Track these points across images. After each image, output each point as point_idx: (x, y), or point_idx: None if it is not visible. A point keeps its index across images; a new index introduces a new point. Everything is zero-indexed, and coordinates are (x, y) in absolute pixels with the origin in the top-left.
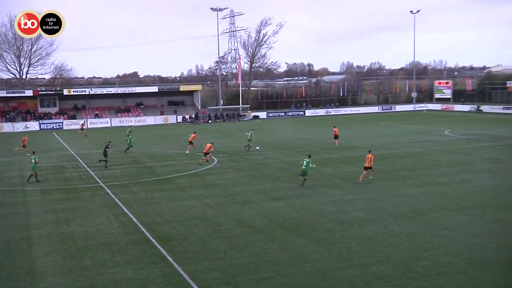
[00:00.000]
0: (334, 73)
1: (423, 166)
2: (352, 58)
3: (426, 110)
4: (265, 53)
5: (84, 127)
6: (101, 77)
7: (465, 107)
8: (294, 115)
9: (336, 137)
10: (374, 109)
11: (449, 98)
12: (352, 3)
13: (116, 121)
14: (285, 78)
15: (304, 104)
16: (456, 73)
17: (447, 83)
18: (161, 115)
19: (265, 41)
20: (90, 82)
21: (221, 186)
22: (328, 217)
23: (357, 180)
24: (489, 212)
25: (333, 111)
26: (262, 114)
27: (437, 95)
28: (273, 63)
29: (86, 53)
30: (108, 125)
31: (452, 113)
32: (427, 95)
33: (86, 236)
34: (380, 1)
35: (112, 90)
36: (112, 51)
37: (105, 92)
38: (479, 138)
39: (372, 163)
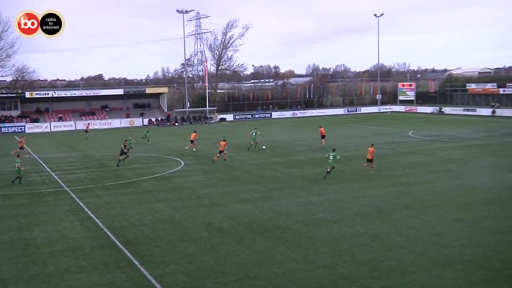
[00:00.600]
0: (300, 76)
1: (388, 167)
2: (318, 61)
3: (390, 111)
4: (232, 55)
5: (88, 129)
6: (64, 80)
7: (428, 109)
8: (261, 117)
9: (323, 137)
10: (340, 111)
11: (413, 100)
12: (318, 6)
13: (81, 124)
14: (252, 81)
15: (270, 106)
16: (419, 75)
17: (410, 85)
18: (127, 118)
19: (231, 44)
20: (53, 85)
21: (188, 189)
22: (296, 218)
23: (326, 181)
24: (451, 211)
25: (299, 113)
26: (229, 117)
27: (401, 97)
28: (239, 65)
29: (49, 55)
30: (73, 128)
31: (416, 115)
32: (391, 97)
33: (49, 241)
34: (345, 4)
35: (77, 93)
36: (76, 53)
37: (69, 95)
38: (441, 139)
39: (373, 156)
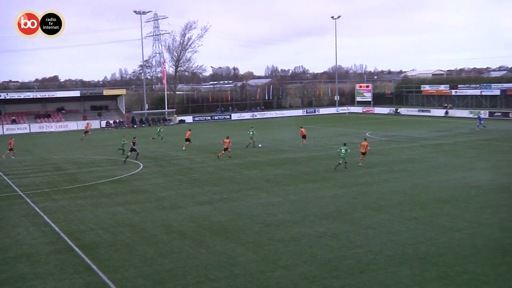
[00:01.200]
0: (259, 77)
1: (346, 167)
2: (277, 62)
3: (348, 113)
4: (190, 57)
5: (88, 129)
6: (18, 81)
7: (385, 110)
8: (220, 119)
9: (303, 136)
10: (299, 112)
11: (370, 101)
12: (276, 7)
13: (36, 127)
14: (211, 82)
15: (230, 108)
16: (375, 77)
17: (367, 86)
18: (84, 120)
19: (190, 45)
20: (6, 86)
21: (147, 191)
22: (256, 220)
23: (286, 182)
24: (407, 210)
25: (258, 115)
26: (188, 118)
27: (358, 98)
28: (198, 67)
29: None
30: (27, 131)
31: (373, 116)
32: (349, 98)
33: (2, 248)
34: (302, 6)
35: (31, 95)
36: (29, 54)
37: (22, 97)
38: (398, 139)
39: (366, 149)
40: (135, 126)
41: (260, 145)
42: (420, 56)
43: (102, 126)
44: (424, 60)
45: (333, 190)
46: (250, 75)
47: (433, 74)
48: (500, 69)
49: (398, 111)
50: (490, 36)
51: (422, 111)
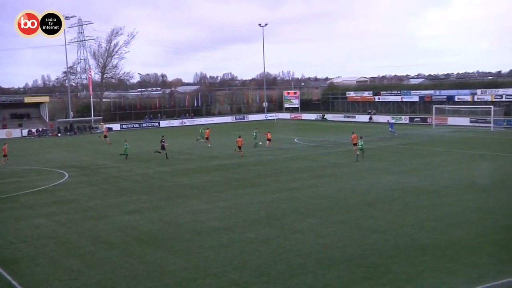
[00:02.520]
0: (188, 84)
1: (275, 173)
2: (205, 69)
3: (277, 119)
4: (117, 63)
5: (106, 133)
6: None
7: (312, 116)
8: (148, 126)
9: (269, 140)
10: (228, 119)
11: (297, 108)
12: (203, 14)
13: None
14: (139, 89)
15: (158, 115)
16: (302, 83)
17: (295, 93)
18: (3, 129)
19: (116, 51)
20: None
21: (73, 201)
22: (186, 227)
23: (216, 189)
24: (334, 213)
25: (188, 122)
26: (116, 126)
27: (286, 105)
28: (125, 73)
29: None
30: None
31: (301, 122)
32: (277, 105)
33: None
34: (230, 13)
35: None
36: None
37: None
38: (325, 144)
39: (357, 141)
40: (59, 134)
41: (260, 143)
42: (344, 63)
43: (23, 135)
44: (349, 67)
45: (262, 196)
46: (178, 82)
47: (357, 81)
48: (418, 76)
49: (324, 117)
50: (408, 44)
51: (348, 117)
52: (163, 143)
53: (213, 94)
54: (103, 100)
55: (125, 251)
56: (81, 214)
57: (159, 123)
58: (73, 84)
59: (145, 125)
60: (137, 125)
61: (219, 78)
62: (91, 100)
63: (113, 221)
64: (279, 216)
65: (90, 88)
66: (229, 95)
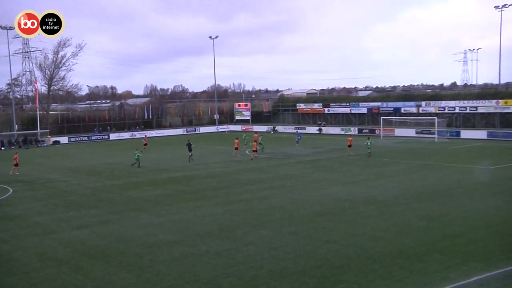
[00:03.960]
0: (138, 96)
1: (227, 185)
2: (155, 81)
3: (228, 131)
4: (65, 75)
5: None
6: None
7: (263, 128)
8: (98, 139)
9: (236, 148)
10: (179, 131)
11: (248, 120)
12: (152, 26)
13: None
14: (87, 102)
15: (108, 127)
16: (253, 95)
17: (246, 105)
18: None
19: (64, 63)
20: None
21: (18, 217)
22: (136, 241)
23: (167, 202)
24: (286, 225)
25: (138, 134)
26: (64, 139)
27: (237, 117)
28: (73, 86)
29: None
30: None
31: (252, 134)
32: (228, 117)
33: None
34: (180, 25)
35: None
36: None
37: None
38: (276, 156)
39: (351, 142)
40: (2, 148)
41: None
42: (295, 76)
43: None
44: (299, 79)
45: (214, 208)
46: (128, 94)
47: (307, 93)
48: (366, 89)
49: (275, 128)
50: (356, 57)
51: (298, 128)
52: (191, 145)
53: (163, 107)
54: (50, 112)
55: (73, 267)
56: (26, 230)
57: (108, 135)
58: (18, 96)
59: (94, 138)
60: (86, 138)
61: (169, 90)
62: (37, 112)
63: (61, 237)
64: (231, 228)
65: (36, 100)
66: (180, 107)
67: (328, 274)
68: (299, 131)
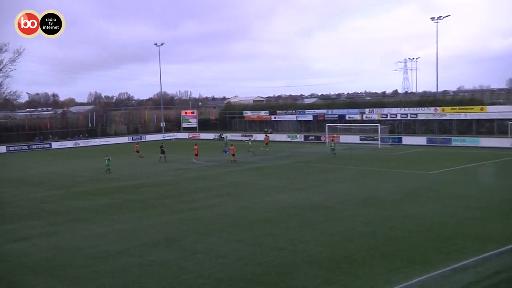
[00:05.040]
0: (82, 104)
1: (175, 193)
2: (100, 89)
3: (175, 139)
4: (2, 82)
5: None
6: None
7: (210, 135)
8: (39, 148)
9: (196, 154)
10: (125, 139)
11: (195, 127)
12: (95, 32)
13: None
14: (27, 109)
15: (50, 136)
16: (200, 103)
17: (192, 113)
18: None
19: (1, 70)
20: None
21: None
22: (80, 253)
23: (113, 211)
24: (234, 232)
25: (82, 143)
26: (1, 148)
27: (184, 125)
28: (12, 93)
29: None
30: None
31: (199, 141)
32: (175, 125)
33: None
34: (125, 32)
35: None
36: None
37: None
38: (224, 164)
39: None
40: None
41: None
42: (241, 83)
43: None
44: (245, 87)
45: (162, 217)
46: (71, 102)
47: (254, 101)
48: (312, 96)
49: (222, 136)
50: (301, 66)
51: (245, 136)
52: (163, 148)
53: (108, 114)
54: None
55: (11, 283)
56: None
57: (50, 144)
58: None
59: (35, 147)
60: (26, 147)
61: (114, 97)
62: None
63: None
64: (179, 237)
65: None
66: (125, 115)
67: (276, 280)
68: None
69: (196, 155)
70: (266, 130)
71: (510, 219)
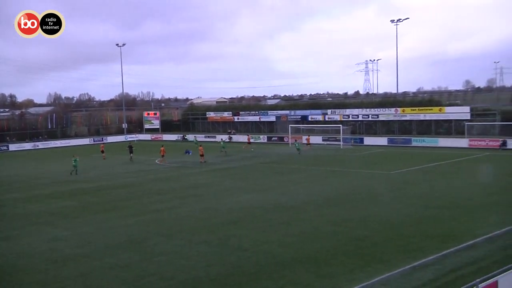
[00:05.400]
0: (41, 105)
1: (137, 195)
2: (59, 89)
3: (137, 140)
4: None
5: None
6: None
7: (173, 136)
8: None
9: (162, 155)
10: (86, 141)
11: (158, 128)
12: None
13: None
14: None
15: (7, 138)
16: (163, 104)
17: (155, 114)
18: None
19: None
20: None
21: None
22: (40, 257)
23: (74, 214)
24: (198, 234)
25: (41, 145)
26: None
27: (146, 126)
28: None
29: None
30: None
31: (162, 143)
32: (137, 126)
33: None
34: (85, 31)
35: None
36: None
37: None
38: (187, 165)
39: (309, 141)
40: None
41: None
42: (204, 84)
43: None
44: (208, 88)
45: (124, 219)
46: (30, 103)
47: (217, 102)
48: (274, 97)
49: (185, 137)
50: (264, 66)
51: (209, 136)
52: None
53: (69, 116)
54: None
55: None
56: None
57: (7, 146)
58: None
59: None
60: None
61: (75, 99)
62: None
63: None
64: (141, 240)
65: None
66: (86, 116)
67: (240, 281)
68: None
69: (163, 156)
70: (229, 131)
71: (467, 217)
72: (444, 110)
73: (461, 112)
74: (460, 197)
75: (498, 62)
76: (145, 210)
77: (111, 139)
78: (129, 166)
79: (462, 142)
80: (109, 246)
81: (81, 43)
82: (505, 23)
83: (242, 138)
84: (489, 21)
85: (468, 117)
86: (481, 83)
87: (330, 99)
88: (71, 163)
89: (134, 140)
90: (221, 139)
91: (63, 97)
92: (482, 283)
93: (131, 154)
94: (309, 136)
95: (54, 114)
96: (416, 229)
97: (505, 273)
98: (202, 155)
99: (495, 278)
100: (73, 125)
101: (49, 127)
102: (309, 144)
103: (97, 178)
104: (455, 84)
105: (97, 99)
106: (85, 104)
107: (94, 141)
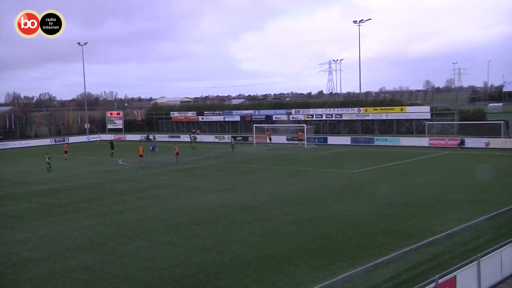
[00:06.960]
0: None
1: (99, 196)
2: (18, 89)
3: (100, 140)
4: None
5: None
6: None
7: (136, 137)
8: None
9: (140, 156)
10: (47, 141)
11: (121, 128)
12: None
13: None
14: None
15: None
16: (126, 104)
17: (118, 114)
18: None
19: None
20: None
21: None
22: None
23: (33, 216)
24: (161, 234)
25: None
26: None
27: (109, 126)
28: None
29: None
30: None
31: (125, 143)
32: (100, 126)
33: None
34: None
35: None
36: None
37: None
38: (150, 165)
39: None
40: None
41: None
42: (168, 84)
43: None
44: (172, 87)
45: (85, 221)
46: None
47: (181, 101)
48: (239, 97)
49: (149, 137)
50: (229, 66)
51: (173, 136)
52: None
53: (28, 116)
54: None
55: None
56: None
57: None
58: None
59: None
60: None
61: (35, 98)
62: None
63: None
64: (103, 241)
65: None
66: (47, 116)
67: (204, 281)
68: (153, 144)
69: (141, 156)
70: (193, 131)
71: (427, 215)
72: (406, 109)
73: (421, 112)
74: (420, 195)
75: (456, 63)
76: (107, 211)
77: (73, 139)
78: (91, 167)
79: (423, 141)
80: (71, 249)
81: (40, 41)
82: (462, 26)
83: (206, 137)
84: (448, 23)
85: (429, 117)
86: (440, 83)
87: (296, 98)
88: (44, 161)
89: (97, 141)
90: (191, 136)
91: (22, 96)
92: (441, 279)
93: (112, 150)
94: (269, 131)
95: (12, 114)
96: (379, 227)
97: (463, 268)
98: (177, 154)
99: (453, 273)
100: (33, 125)
101: (7, 127)
102: (270, 138)
103: (57, 179)
104: (416, 84)
105: (58, 98)
106: (45, 104)
107: (55, 142)
